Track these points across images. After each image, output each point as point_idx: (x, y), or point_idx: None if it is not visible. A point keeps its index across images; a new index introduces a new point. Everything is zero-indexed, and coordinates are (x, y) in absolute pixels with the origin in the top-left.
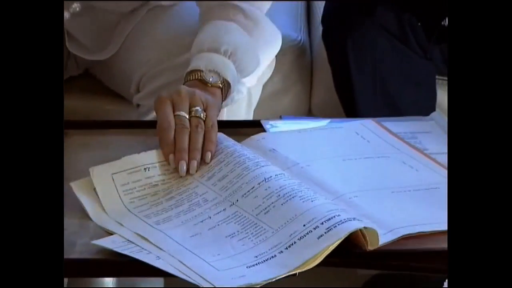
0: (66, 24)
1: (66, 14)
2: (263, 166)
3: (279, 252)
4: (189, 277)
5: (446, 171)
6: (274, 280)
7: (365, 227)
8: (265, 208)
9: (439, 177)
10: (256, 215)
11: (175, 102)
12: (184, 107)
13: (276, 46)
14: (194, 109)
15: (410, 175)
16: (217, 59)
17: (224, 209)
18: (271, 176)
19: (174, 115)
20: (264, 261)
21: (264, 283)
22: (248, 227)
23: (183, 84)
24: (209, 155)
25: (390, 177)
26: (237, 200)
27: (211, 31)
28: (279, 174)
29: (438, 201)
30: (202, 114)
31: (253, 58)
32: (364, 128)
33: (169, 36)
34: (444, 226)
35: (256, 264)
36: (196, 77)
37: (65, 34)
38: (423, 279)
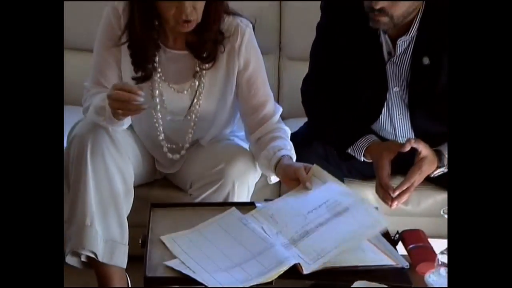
0: (162, 159)
1: (178, 156)
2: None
3: (252, 272)
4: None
5: (352, 197)
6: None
7: (297, 264)
8: (255, 255)
9: (350, 199)
10: (253, 254)
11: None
12: None
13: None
14: None
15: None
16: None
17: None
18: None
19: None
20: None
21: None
22: (245, 259)
23: (279, 163)
24: None
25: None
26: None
27: (282, 143)
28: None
29: (348, 229)
30: None
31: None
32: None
33: (205, 158)
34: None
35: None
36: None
37: (155, 161)
38: (339, 285)
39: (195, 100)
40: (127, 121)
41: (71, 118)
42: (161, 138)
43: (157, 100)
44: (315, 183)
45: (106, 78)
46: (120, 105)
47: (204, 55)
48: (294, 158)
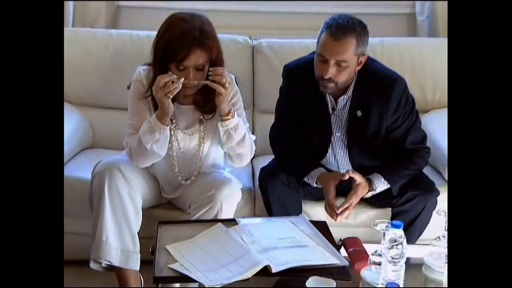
0: (168, 188)
1: (189, 181)
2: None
3: (234, 271)
4: (202, 283)
5: (312, 241)
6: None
7: (267, 265)
8: (236, 259)
9: (311, 242)
10: (235, 257)
11: None
12: None
13: (252, 151)
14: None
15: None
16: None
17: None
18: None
19: None
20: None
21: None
22: (229, 262)
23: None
24: None
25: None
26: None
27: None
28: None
29: (307, 255)
30: None
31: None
32: (289, 222)
33: (200, 186)
34: (307, 263)
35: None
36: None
37: (161, 189)
38: (298, 281)
39: (202, 140)
40: (168, 132)
41: (99, 156)
42: (176, 170)
43: (173, 143)
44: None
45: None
46: (166, 89)
47: (207, 109)
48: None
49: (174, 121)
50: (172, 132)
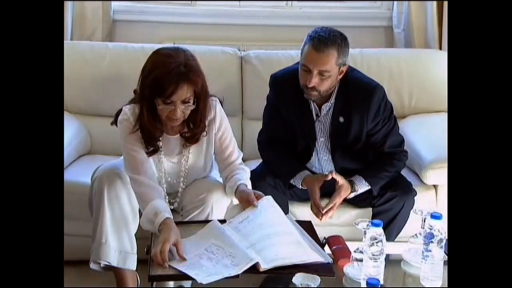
0: None
1: (176, 204)
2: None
3: (227, 267)
4: (195, 278)
5: (299, 235)
6: (224, 277)
7: (256, 262)
8: (230, 254)
9: (298, 236)
10: (228, 253)
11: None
12: None
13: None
14: None
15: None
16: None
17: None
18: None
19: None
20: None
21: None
22: (223, 256)
23: (238, 189)
24: None
25: (278, 239)
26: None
27: (241, 176)
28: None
29: (293, 253)
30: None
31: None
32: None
33: (192, 190)
34: (293, 261)
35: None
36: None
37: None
38: (286, 278)
39: (185, 164)
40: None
41: (97, 162)
42: (164, 193)
43: (161, 168)
44: (266, 208)
45: (143, 166)
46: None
47: (192, 141)
48: (249, 185)
49: (161, 150)
50: (162, 159)
